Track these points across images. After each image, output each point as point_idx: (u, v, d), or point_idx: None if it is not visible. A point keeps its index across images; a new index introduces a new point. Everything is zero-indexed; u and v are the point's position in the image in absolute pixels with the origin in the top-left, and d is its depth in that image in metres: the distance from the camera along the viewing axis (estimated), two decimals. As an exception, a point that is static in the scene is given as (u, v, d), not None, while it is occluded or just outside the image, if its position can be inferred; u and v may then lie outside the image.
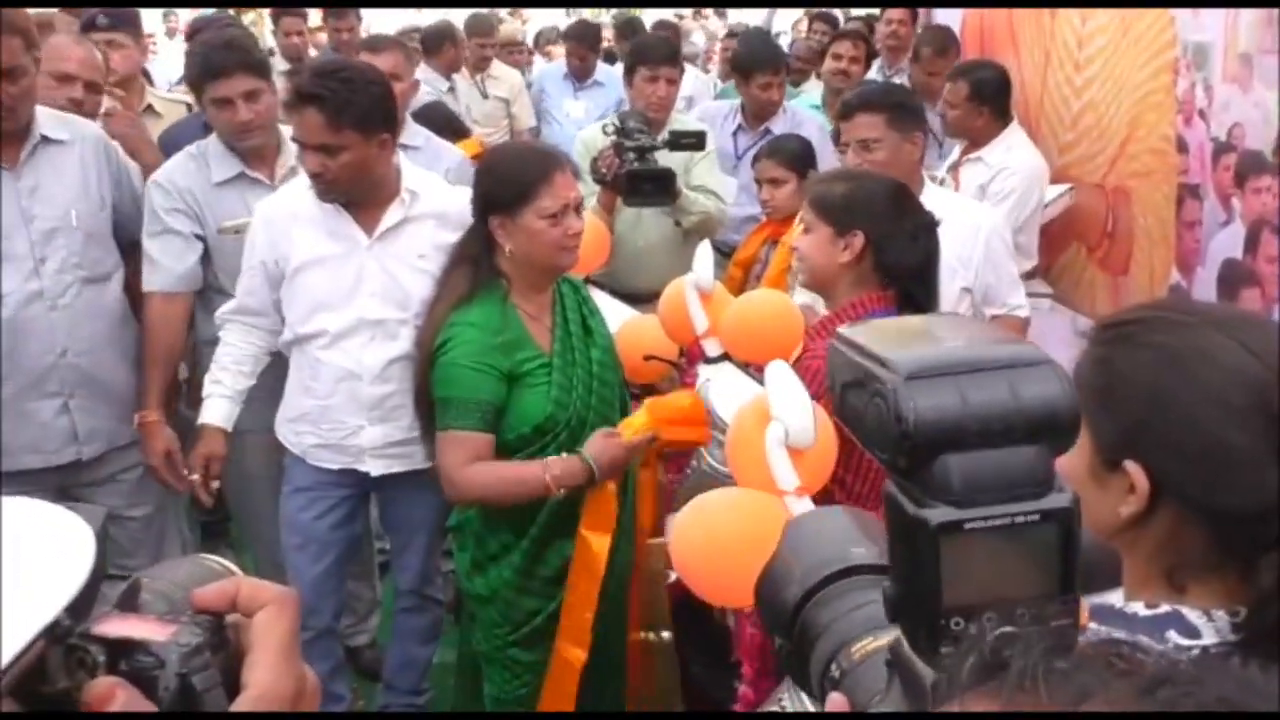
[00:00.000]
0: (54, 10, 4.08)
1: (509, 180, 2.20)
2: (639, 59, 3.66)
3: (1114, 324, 1.08)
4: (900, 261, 2.12)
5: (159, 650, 0.57)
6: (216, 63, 2.75)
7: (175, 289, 2.77)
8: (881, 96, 2.88)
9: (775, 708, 1.81)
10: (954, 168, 3.79)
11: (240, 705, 0.58)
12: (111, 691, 0.55)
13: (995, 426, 0.65)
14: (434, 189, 2.60)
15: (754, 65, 4.08)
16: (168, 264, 2.75)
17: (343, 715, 2.85)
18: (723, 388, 2.36)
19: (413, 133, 3.36)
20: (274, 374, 2.67)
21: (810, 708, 1.70)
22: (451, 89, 5.70)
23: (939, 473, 0.65)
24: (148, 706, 0.55)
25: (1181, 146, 3.16)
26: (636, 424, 2.27)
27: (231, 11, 6.01)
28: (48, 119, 2.64)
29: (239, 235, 2.65)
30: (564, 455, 2.17)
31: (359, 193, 2.46)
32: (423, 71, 5.62)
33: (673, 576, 2.40)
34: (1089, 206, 3.69)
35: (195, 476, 2.61)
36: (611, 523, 2.22)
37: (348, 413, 2.52)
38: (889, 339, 0.71)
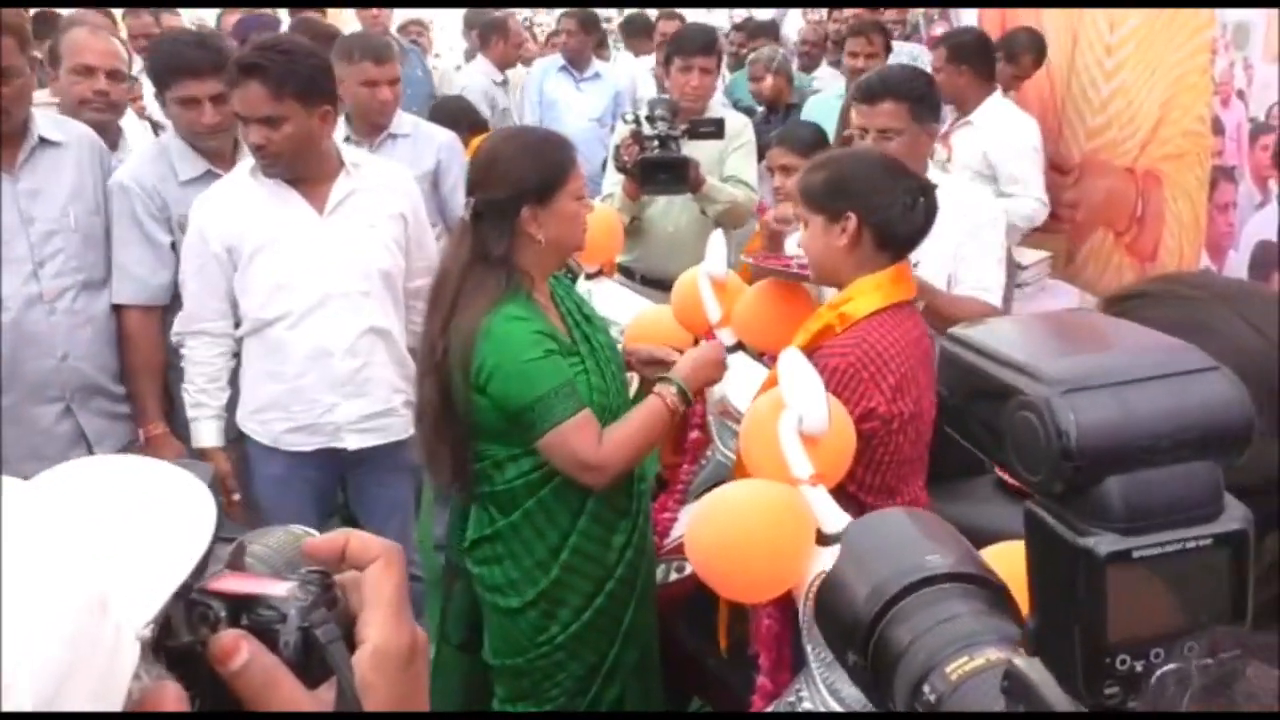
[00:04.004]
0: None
1: (542, 167, 2.05)
2: (675, 49, 3.61)
3: (1121, 297, 1.02)
4: (901, 232, 2.05)
5: (279, 604, 0.58)
6: (188, 60, 2.63)
7: (152, 302, 2.66)
8: (907, 86, 2.66)
9: (792, 698, 1.76)
10: (944, 136, 3.69)
11: (360, 657, 0.59)
12: (237, 643, 0.55)
13: (1163, 444, 0.58)
14: (371, 160, 2.64)
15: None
16: (143, 275, 2.64)
17: (359, 716, 2.78)
18: (737, 377, 2.31)
19: (400, 121, 3.35)
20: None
21: (832, 702, 1.64)
22: (505, 82, 5.80)
23: (1101, 496, 0.58)
24: (272, 659, 0.56)
25: (1217, 128, 3.09)
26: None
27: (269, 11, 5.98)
28: (44, 121, 2.57)
29: None
30: (664, 381, 2.12)
31: (303, 167, 2.45)
32: (480, 63, 5.86)
33: (688, 569, 2.34)
34: (1117, 191, 3.62)
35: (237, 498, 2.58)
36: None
37: (320, 390, 2.49)
38: (1027, 343, 0.64)
